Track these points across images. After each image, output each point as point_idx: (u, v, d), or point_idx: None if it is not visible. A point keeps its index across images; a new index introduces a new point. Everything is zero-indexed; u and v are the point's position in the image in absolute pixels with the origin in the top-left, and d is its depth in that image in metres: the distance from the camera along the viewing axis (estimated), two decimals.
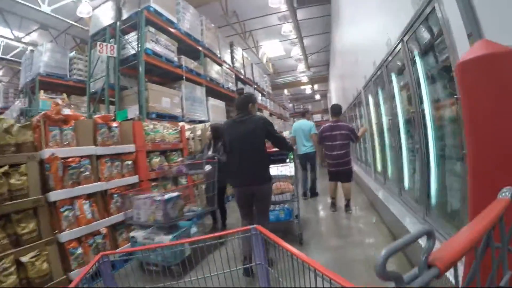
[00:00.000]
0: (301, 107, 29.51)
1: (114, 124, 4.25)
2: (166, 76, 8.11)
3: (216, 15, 10.97)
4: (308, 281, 1.35)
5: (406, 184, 4.18)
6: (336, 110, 5.91)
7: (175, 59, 7.66)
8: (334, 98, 19.18)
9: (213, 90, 9.86)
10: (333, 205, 5.82)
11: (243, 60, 13.53)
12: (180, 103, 7.52)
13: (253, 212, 3.58)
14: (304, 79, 21.65)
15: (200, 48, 9.18)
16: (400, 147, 4.24)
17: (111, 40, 7.09)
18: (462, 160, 2.42)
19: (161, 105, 6.80)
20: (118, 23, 7.03)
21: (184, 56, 8.11)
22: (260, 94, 15.49)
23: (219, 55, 10.61)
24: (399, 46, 3.42)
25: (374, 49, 4.59)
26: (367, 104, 6.40)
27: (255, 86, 14.78)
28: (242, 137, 3.42)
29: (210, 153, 4.83)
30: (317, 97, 29.94)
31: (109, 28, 7.22)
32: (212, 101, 9.57)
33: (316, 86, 26.72)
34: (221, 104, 10.31)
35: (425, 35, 2.90)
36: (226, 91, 10.71)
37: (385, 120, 5.08)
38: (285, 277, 1.71)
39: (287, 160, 4.42)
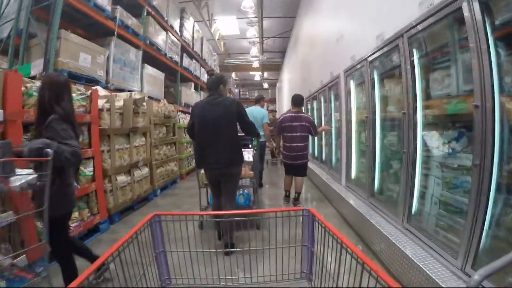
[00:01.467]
0: (247, 93, 28.50)
1: None
2: (94, 31, 6.37)
3: None
4: (353, 272, 1.26)
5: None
6: (297, 100, 5.57)
7: (108, 8, 5.94)
8: (286, 89, 18.21)
9: (152, 58, 8.21)
10: (287, 197, 5.78)
11: (193, 32, 11.93)
12: (105, 64, 5.84)
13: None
14: (256, 64, 20.42)
15: (145, 4, 7.53)
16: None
17: None
18: None
19: (77, 62, 5.13)
20: None
21: (122, 9, 6.46)
22: (206, 73, 13.95)
23: (166, 19, 8.96)
24: None
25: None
26: (348, 91, 5.17)
27: (201, 62, 13.22)
28: (216, 119, 3.39)
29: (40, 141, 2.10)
30: (265, 85, 29.01)
31: None
32: (150, 69, 7.91)
33: (265, 74, 25.66)
34: (160, 75, 8.66)
35: None
36: (168, 61, 9.09)
37: (379, 111, 3.97)
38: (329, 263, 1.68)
39: (250, 146, 4.62)
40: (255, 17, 13.42)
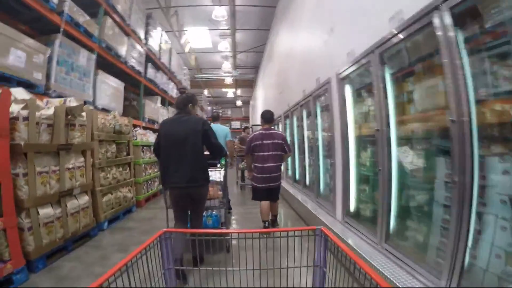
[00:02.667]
0: (220, 111, 27.63)
1: None
2: (40, 28, 5.31)
3: None
4: None
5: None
6: (267, 116, 5.22)
7: None
8: (260, 106, 17.31)
9: (110, 65, 7.14)
10: (266, 228, 4.98)
11: (160, 42, 10.87)
12: (45, 65, 4.73)
13: (187, 214, 3.53)
14: (228, 80, 19.56)
15: (102, 2, 6.48)
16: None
17: None
18: None
19: (6, 60, 4.02)
20: None
21: (73, 3, 5.42)
22: (177, 90, 12.80)
23: (127, 22, 7.92)
24: None
25: None
26: (343, 99, 4.19)
27: (170, 75, 12.13)
28: (181, 137, 3.29)
29: None
30: (239, 103, 28.18)
31: None
32: (105, 77, 6.78)
33: (239, 91, 24.87)
34: (119, 85, 7.51)
35: None
36: (129, 69, 8.00)
37: (394, 121, 3.04)
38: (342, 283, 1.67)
39: (218, 165, 4.30)
40: (227, 29, 12.61)
